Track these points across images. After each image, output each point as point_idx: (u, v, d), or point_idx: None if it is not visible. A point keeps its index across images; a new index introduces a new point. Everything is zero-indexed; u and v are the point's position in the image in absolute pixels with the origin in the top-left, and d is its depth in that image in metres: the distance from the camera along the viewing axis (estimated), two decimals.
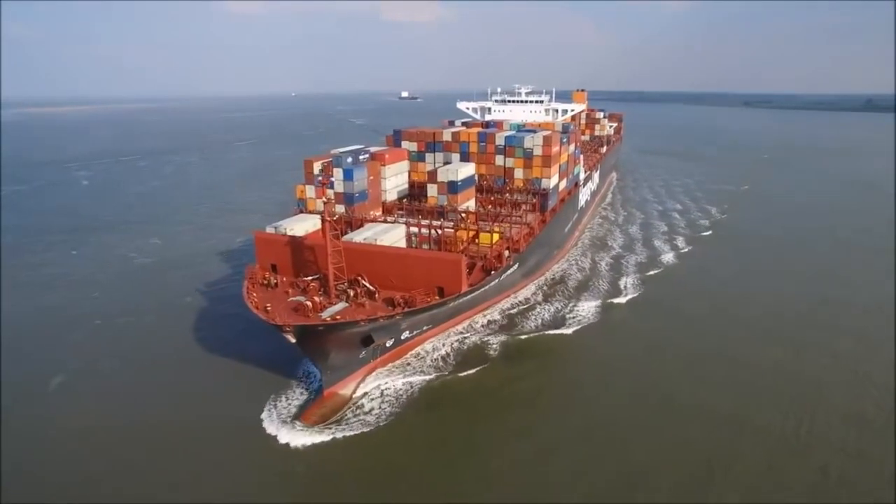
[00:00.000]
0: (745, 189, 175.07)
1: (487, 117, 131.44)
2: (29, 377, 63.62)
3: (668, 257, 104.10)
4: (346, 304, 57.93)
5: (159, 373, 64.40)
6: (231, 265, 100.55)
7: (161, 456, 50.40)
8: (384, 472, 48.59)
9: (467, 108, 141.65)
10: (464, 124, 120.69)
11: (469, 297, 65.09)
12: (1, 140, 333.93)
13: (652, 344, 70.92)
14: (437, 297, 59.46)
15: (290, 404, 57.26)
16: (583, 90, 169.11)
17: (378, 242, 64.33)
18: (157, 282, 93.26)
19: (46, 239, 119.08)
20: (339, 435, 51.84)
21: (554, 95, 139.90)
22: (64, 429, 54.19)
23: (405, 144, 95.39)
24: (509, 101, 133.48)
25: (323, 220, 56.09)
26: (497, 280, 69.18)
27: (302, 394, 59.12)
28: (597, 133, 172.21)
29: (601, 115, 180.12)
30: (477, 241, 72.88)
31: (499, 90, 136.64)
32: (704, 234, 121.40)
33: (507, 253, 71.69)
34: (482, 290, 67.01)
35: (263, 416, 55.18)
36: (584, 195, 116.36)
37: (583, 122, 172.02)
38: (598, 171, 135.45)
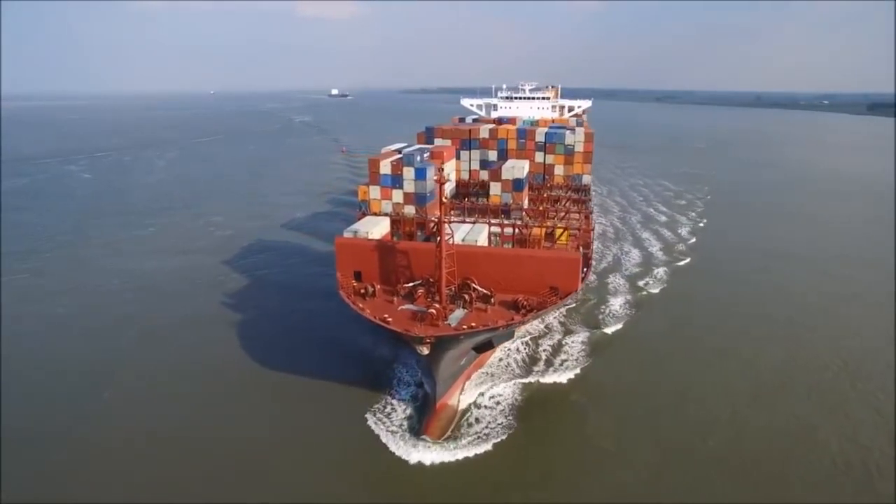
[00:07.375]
0: (683, 171, 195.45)
1: (494, 114, 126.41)
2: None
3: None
4: (466, 310, 52.93)
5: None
6: (287, 241, 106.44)
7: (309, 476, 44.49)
8: (541, 483, 44.33)
9: (471, 106, 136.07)
10: (474, 121, 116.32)
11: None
12: None
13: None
14: (556, 298, 55.00)
15: (395, 416, 51.67)
16: (555, 86, 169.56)
17: (478, 244, 59.17)
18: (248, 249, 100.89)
19: (110, 221, 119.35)
20: (479, 449, 46.97)
21: (560, 92, 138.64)
22: None
23: (438, 142, 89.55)
24: (515, 98, 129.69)
25: (439, 222, 50.50)
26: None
27: (396, 405, 53.48)
28: None
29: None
30: (555, 238, 69.63)
31: (504, 87, 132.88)
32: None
33: (581, 249, 69.20)
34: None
35: (380, 433, 49.07)
36: None
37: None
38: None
